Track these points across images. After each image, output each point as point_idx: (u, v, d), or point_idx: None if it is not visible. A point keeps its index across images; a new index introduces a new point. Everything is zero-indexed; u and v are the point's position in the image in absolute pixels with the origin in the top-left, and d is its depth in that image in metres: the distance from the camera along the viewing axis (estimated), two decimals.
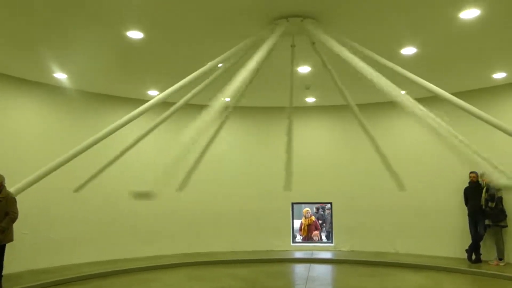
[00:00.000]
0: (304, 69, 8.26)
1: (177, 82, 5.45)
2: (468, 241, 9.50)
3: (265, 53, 4.91)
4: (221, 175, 11.46)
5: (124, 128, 5.20)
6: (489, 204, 9.12)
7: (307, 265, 10.00)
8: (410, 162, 10.30)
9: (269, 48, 5.04)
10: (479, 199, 9.36)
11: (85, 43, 6.90)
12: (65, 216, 9.35)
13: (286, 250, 11.49)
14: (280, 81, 8.93)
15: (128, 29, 6.28)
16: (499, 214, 9.06)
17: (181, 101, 6.17)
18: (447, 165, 9.82)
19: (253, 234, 11.49)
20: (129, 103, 9.93)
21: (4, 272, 7.15)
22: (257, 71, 5.58)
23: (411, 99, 4.29)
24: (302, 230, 11.86)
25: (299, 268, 9.87)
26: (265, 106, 11.72)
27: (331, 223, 11.69)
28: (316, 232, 11.80)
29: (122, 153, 6.08)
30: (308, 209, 11.95)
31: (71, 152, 4.83)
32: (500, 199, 9.11)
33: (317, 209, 11.94)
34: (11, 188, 5.88)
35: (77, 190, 6.04)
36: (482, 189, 9.37)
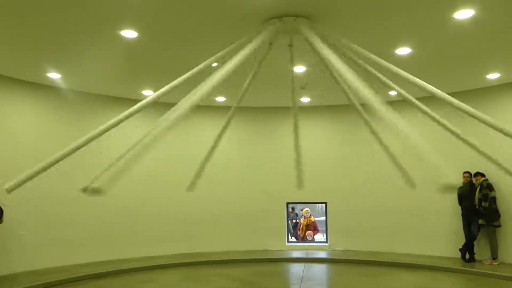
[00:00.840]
0: (299, 68, 8.26)
1: (172, 81, 5.44)
2: (462, 240, 9.55)
3: (248, 53, 4.89)
4: (216, 176, 11.42)
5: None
6: (483, 203, 9.16)
7: (302, 265, 10.01)
8: (405, 161, 10.30)
9: (253, 48, 5.02)
10: (473, 199, 9.40)
11: (79, 43, 6.86)
12: (62, 218, 9.30)
13: (281, 250, 11.51)
14: (275, 81, 8.94)
15: (122, 29, 6.25)
16: (492, 213, 9.10)
17: (187, 105, 6.02)
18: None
19: (248, 234, 11.49)
20: (124, 103, 9.84)
21: (1, 273, 7.13)
22: (256, 71, 5.58)
23: (383, 103, 4.28)
24: (301, 229, 11.87)
25: (294, 268, 9.88)
26: (259, 106, 11.72)
27: (326, 223, 11.71)
28: (309, 232, 11.80)
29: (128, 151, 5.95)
30: (308, 209, 11.95)
31: (63, 151, 4.77)
32: (494, 198, 9.15)
33: (292, 208, 11.96)
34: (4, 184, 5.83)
35: (84, 189, 5.87)
36: (476, 189, 9.42)
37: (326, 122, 11.80)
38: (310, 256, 10.76)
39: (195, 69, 5.51)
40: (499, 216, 9.13)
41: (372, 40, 6.74)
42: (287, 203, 11.84)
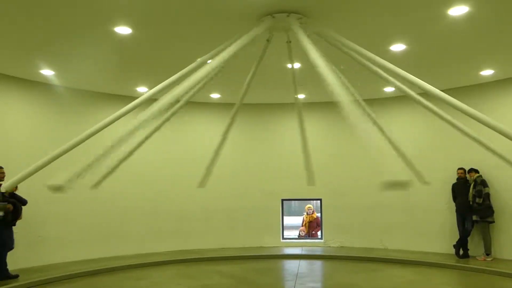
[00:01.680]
0: (295, 65, 8.22)
1: (166, 78, 5.42)
2: (456, 236, 9.60)
3: (234, 50, 4.89)
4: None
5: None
6: (477, 200, 9.21)
7: (297, 261, 10.03)
8: (398, 158, 10.32)
9: (241, 45, 5.02)
10: (467, 195, 9.45)
11: (73, 39, 6.81)
12: (54, 215, 9.25)
13: (276, 247, 11.52)
14: (269, 78, 8.92)
15: (116, 25, 6.21)
16: (486, 210, 9.15)
17: (182, 100, 6.03)
18: (435, 161, 9.91)
19: (242, 231, 11.51)
20: (118, 100, 9.86)
21: None
22: (256, 68, 5.54)
23: (353, 105, 4.34)
24: (304, 226, 11.88)
25: (289, 265, 9.89)
26: (255, 103, 11.68)
27: (321, 219, 11.73)
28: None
29: (131, 153, 5.94)
30: (310, 205, 11.95)
31: (59, 150, 4.75)
32: (488, 195, 9.20)
33: None
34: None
35: (95, 186, 5.82)
36: (470, 185, 9.47)
37: (322, 119, 11.79)
38: (305, 252, 10.78)
39: (190, 66, 5.49)
40: (493, 212, 9.18)
41: (366, 37, 6.73)
42: (282, 200, 11.85)
